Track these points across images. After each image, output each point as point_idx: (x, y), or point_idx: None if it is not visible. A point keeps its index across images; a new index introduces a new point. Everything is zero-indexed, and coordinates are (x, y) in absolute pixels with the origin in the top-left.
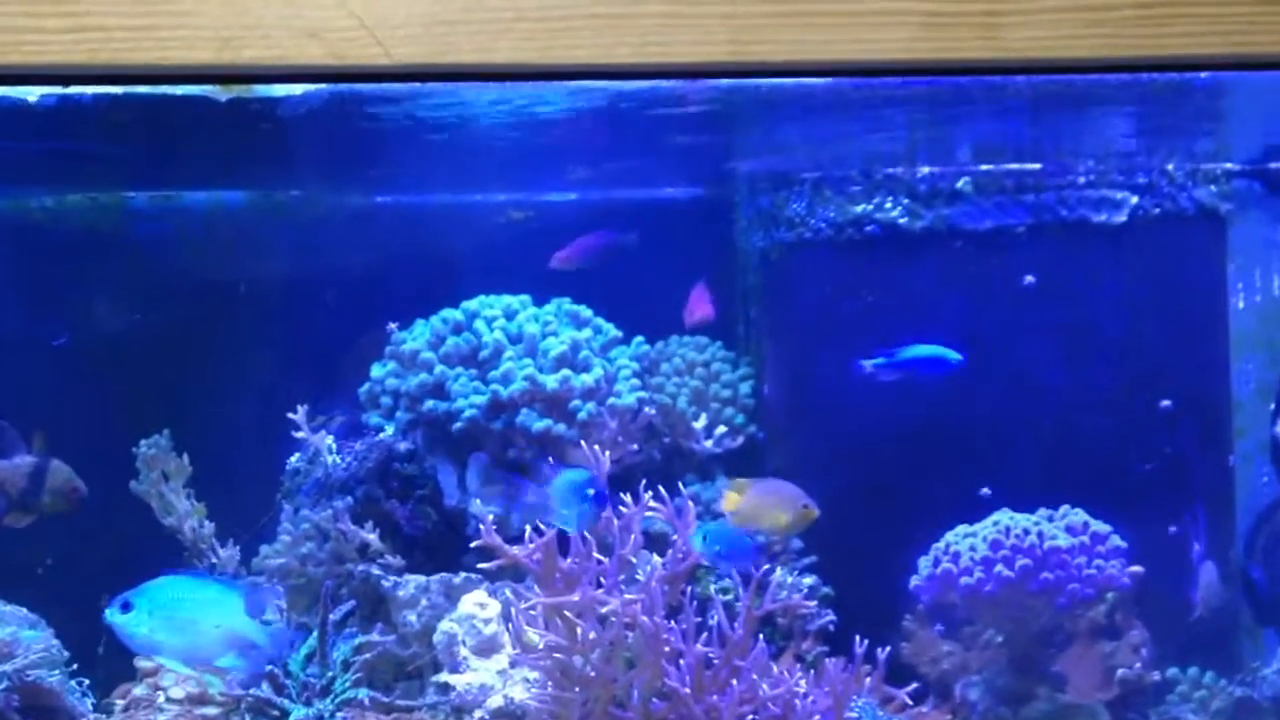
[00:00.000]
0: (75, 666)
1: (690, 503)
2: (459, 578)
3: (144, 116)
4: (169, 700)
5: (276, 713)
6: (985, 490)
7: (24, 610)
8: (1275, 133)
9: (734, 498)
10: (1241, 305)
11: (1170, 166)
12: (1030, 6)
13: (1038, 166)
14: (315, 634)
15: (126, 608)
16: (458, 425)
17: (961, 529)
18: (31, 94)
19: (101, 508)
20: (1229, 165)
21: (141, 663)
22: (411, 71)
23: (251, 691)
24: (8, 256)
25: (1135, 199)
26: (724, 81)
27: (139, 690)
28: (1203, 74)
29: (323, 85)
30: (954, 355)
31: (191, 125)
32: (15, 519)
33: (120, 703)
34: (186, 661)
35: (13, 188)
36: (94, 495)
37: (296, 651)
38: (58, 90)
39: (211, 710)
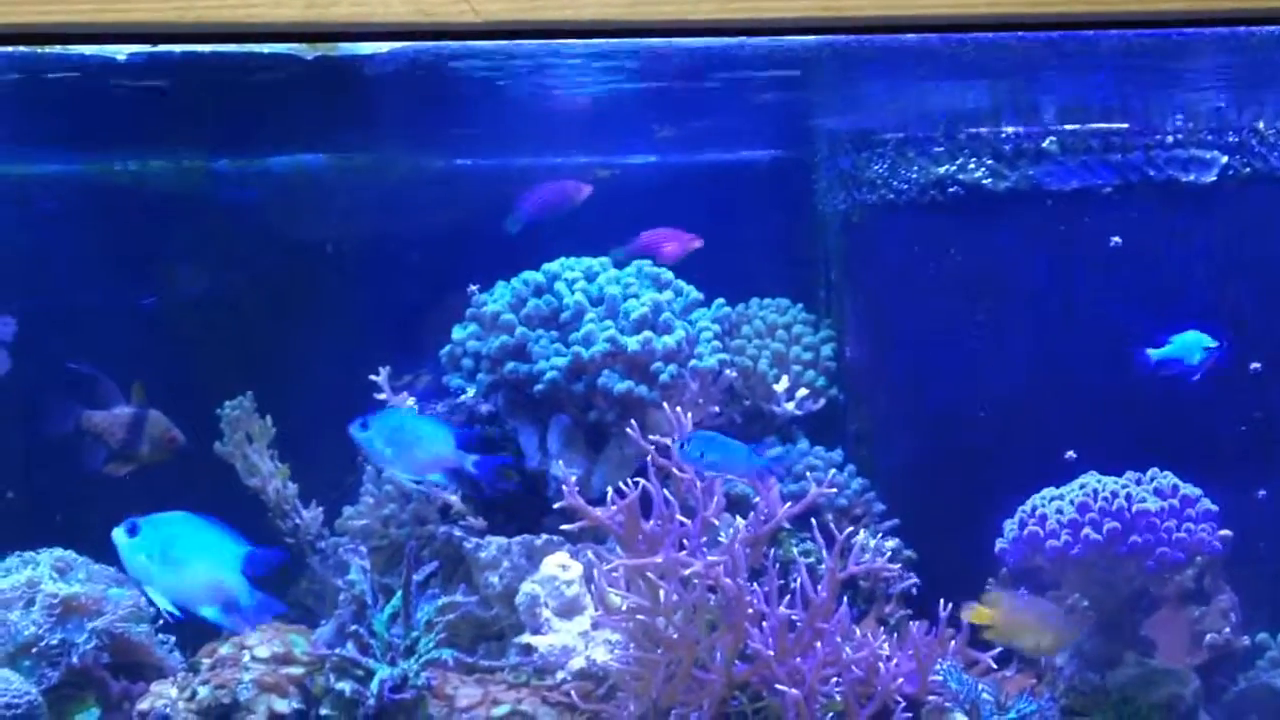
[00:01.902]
0: (162, 623)
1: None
2: (541, 539)
3: (228, 77)
4: (254, 659)
5: (361, 672)
6: (1071, 454)
7: (112, 569)
8: None
9: (985, 612)
10: None
11: (1260, 125)
12: None
13: (1125, 125)
14: (399, 594)
15: (132, 531)
16: (539, 387)
17: (1048, 492)
18: (120, 53)
19: (186, 468)
20: None
21: None
22: (499, 29)
23: (336, 651)
24: (95, 219)
25: (1225, 158)
26: (810, 39)
27: (225, 649)
28: None
29: (408, 44)
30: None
31: (275, 87)
32: (115, 467)
33: (207, 660)
34: (171, 600)
35: (98, 151)
36: (177, 457)
37: (381, 611)
38: (146, 49)
39: (296, 669)
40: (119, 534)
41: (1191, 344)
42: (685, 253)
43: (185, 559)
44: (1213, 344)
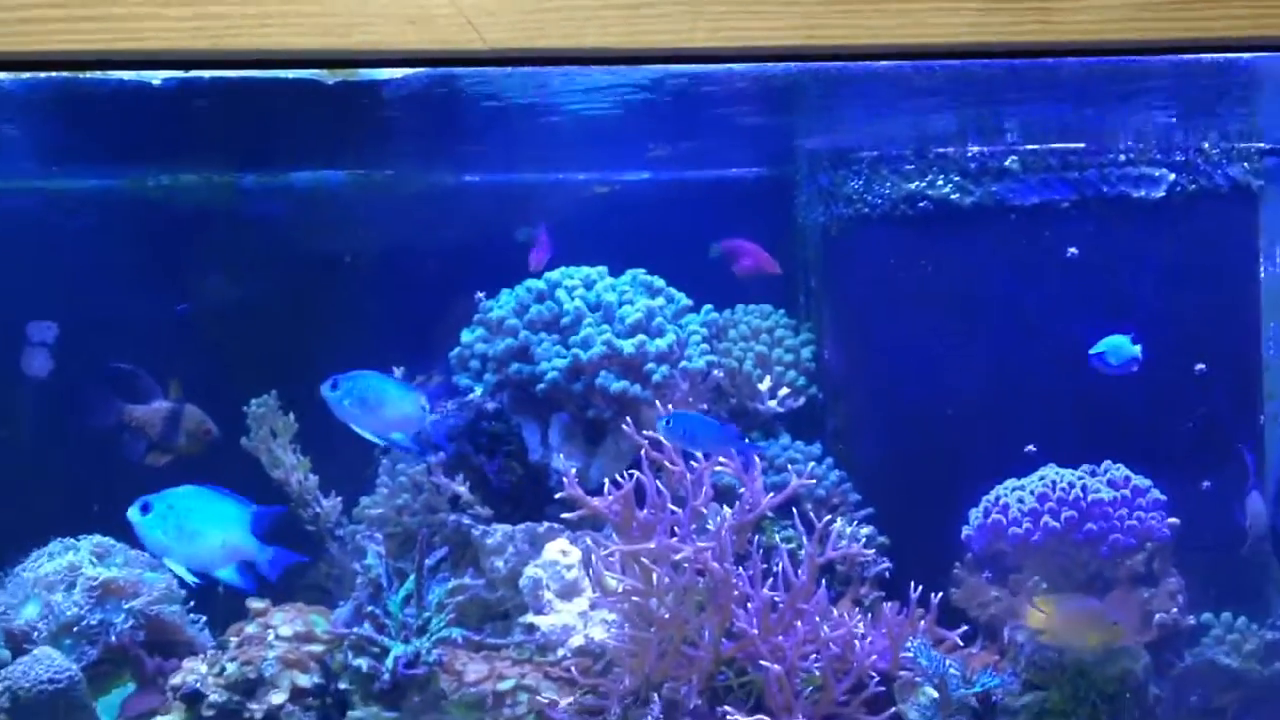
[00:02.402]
0: (193, 604)
1: (756, 458)
2: (543, 527)
3: (254, 99)
4: (278, 638)
5: (377, 649)
6: (1031, 448)
7: (146, 554)
8: None
9: (1039, 616)
10: (1272, 274)
11: (1205, 145)
12: None
13: (1081, 145)
14: (412, 578)
15: (145, 509)
16: (541, 386)
17: (1010, 483)
18: (155, 78)
19: (216, 460)
20: (1260, 144)
21: (253, 603)
22: (504, 56)
23: (354, 630)
24: (129, 232)
25: (1173, 176)
26: (793, 65)
27: (251, 628)
28: (1241, 56)
29: (420, 69)
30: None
31: (297, 109)
32: (155, 458)
33: (235, 639)
34: (189, 568)
35: (132, 167)
36: (209, 450)
37: (395, 593)
38: (179, 74)
39: (317, 647)
40: (133, 513)
41: (1118, 347)
42: (758, 271)
43: (197, 527)
44: (1135, 349)
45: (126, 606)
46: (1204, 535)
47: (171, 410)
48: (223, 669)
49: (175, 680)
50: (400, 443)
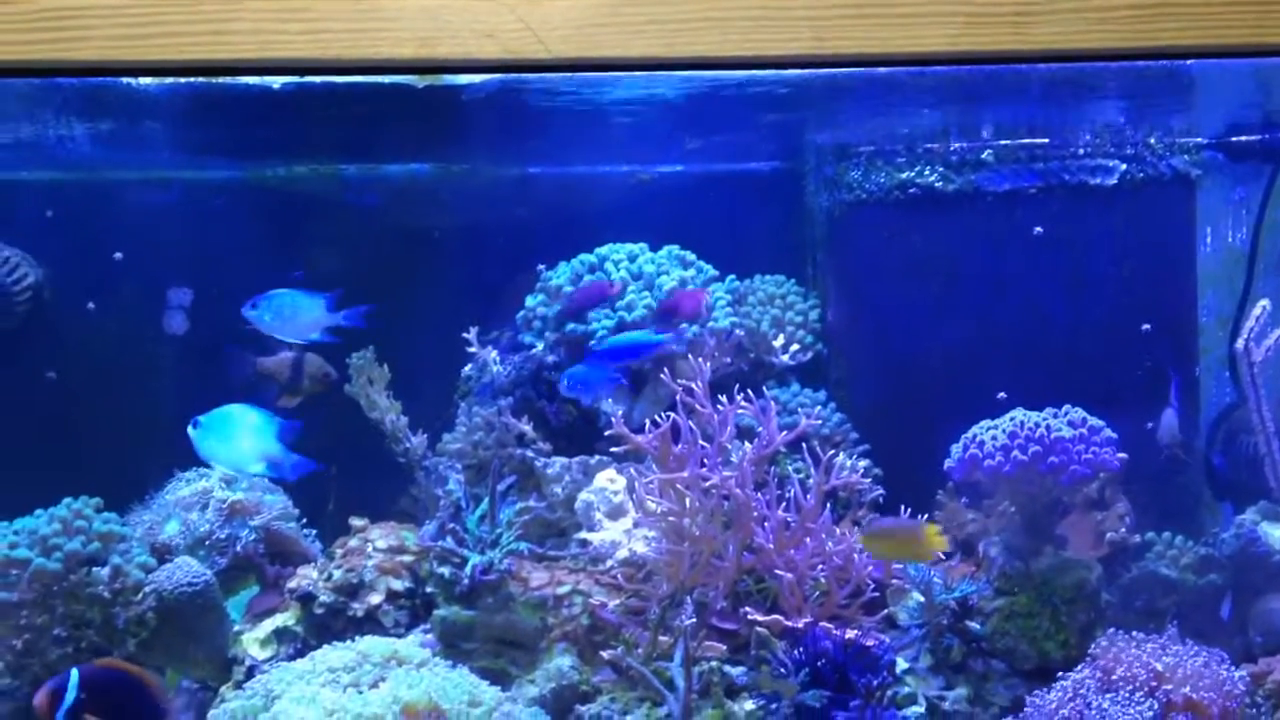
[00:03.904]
0: (305, 521)
1: (771, 403)
2: (594, 459)
3: (357, 102)
4: (376, 549)
5: (457, 560)
6: (1002, 394)
7: (266, 479)
8: (1235, 112)
9: (867, 540)
10: (1206, 251)
11: (1151, 140)
12: (1052, 6)
13: (1046, 140)
14: (486, 501)
15: (195, 425)
16: (592, 343)
17: (985, 423)
18: (275, 83)
19: (331, 402)
20: (1198, 139)
21: (355, 520)
22: (566, 64)
23: (438, 544)
24: (251, 215)
25: (1124, 166)
26: (805, 72)
27: (353, 541)
28: (1185, 62)
29: (495, 75)
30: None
31: (392, 111)
32: (286, 401)
33: (339, 550)
34: (231, 467)
35: (255, 160)
36: (320, 398)
37: (472, 513)
38: (295, 80)
39: (407, 558)
40: (190, 430)
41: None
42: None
43: (236, 436)
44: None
45: (250, 523)
46: (1148, 467)
47: (295, 359)
48: (330, 575)
49: (291, 584)
50: (264, 474)
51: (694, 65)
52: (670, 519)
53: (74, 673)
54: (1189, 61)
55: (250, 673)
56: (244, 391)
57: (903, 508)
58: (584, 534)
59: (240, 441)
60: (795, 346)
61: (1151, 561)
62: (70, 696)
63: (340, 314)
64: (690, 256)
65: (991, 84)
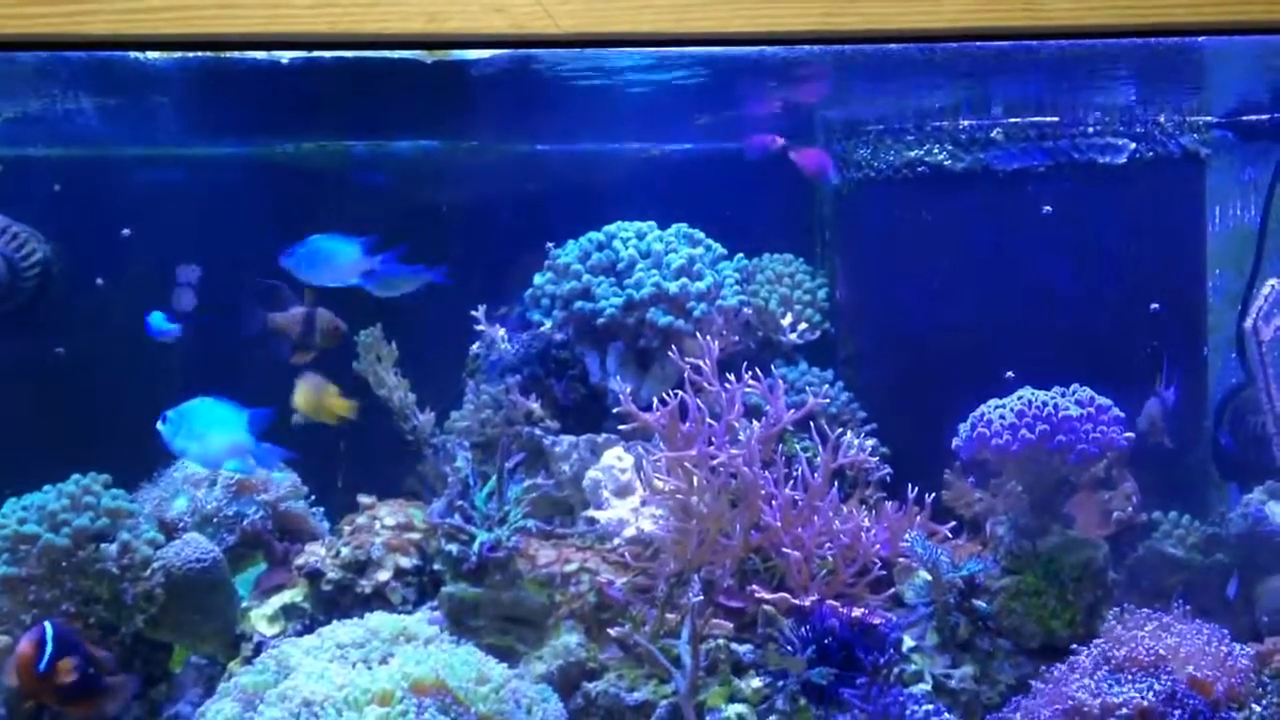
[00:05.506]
0: (313, 498)
1: (779, 381)
2: (602, 437)
3: (366, 78)
4: (384, 526)
5: (465, 537)
6: (1010, 373)
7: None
8: (1245, 91)
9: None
10: (1215, 230)
11: (1161, 118)
12: None
13: (1055, 119)
14: (494, 478)
15: (163, 420)
16: (600, 320)
17: (992, 402)
18: (283, 57)
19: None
20: (1208, 118)
21: (363, 498)
22: (575, 39)
23: (446, 521)
24: (260, 191)
25: (1133, 145)
26: (815, 47)
27: (361, 519)
28: (1197, 40)
29: (503, 50)
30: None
31: (400, 86)
32: (300, 356)
33: (348, 528)
34: (202, 463)
35: (263, 136)
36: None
37: (480, 491)
38: (303, 54)
39: (415, 535)
40: (159, 425)
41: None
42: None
43: (205, 431)
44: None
45: (258, 500)
46: (1155, 447)
47: (306, 314)
48: (338, 552)
49: (299, 561)
50: (236, 469)
51: (703, 41)
52: (678, 497)
53: (48, 625)
54: (1200, 39)
55: (258, 649)
56: (257, 345)
57: (909, 486)
58: (591, 512)
59: (209, 436)
60: (803, 325)
61: (1158, 540)
62: (49, 649)
63: (377, 257)
64: (699, 234)
65: (1001, 61)
